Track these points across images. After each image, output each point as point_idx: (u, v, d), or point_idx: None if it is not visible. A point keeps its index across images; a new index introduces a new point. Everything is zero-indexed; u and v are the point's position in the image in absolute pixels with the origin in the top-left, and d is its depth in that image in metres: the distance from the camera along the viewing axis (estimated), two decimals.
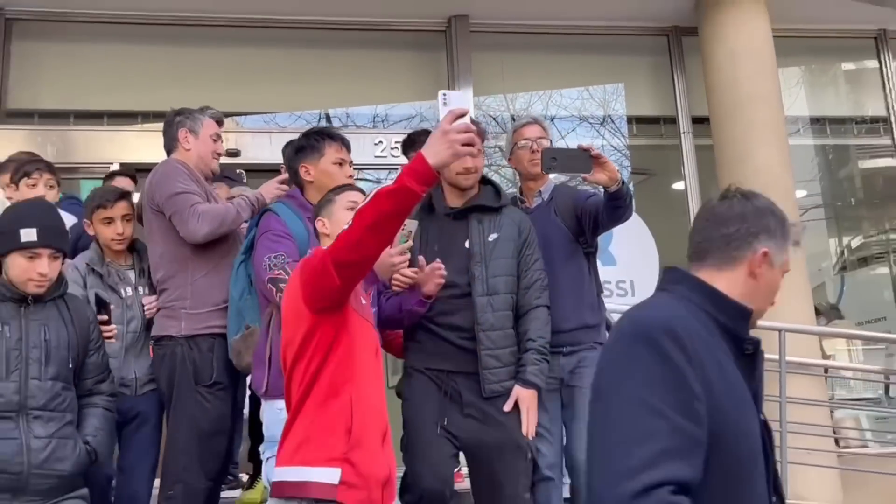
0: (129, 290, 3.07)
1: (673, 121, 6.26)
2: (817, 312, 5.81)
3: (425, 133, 3.86)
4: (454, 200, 2.82)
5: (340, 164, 2.74)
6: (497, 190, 2.87)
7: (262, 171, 5.18)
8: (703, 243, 1.49)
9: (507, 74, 6.26)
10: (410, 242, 2.37)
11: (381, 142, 5.71)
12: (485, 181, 2.88)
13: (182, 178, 3.00)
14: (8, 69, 5.46)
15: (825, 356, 5.74)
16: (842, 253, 6.93)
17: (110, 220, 3.06)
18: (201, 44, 5.85)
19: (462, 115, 1.84)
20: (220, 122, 3.26)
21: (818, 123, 6.84)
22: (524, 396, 2.63)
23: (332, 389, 1.99)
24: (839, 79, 7.17)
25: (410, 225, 2.29)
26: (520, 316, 2.74)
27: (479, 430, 2.64)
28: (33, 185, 3.52)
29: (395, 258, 2.27)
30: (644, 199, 6.31)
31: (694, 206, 6.01)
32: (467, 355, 2.66)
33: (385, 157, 5.68)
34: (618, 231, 5.41)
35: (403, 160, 5.51)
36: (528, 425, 2.62)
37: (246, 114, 5.83)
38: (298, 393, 2.02)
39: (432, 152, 1.84)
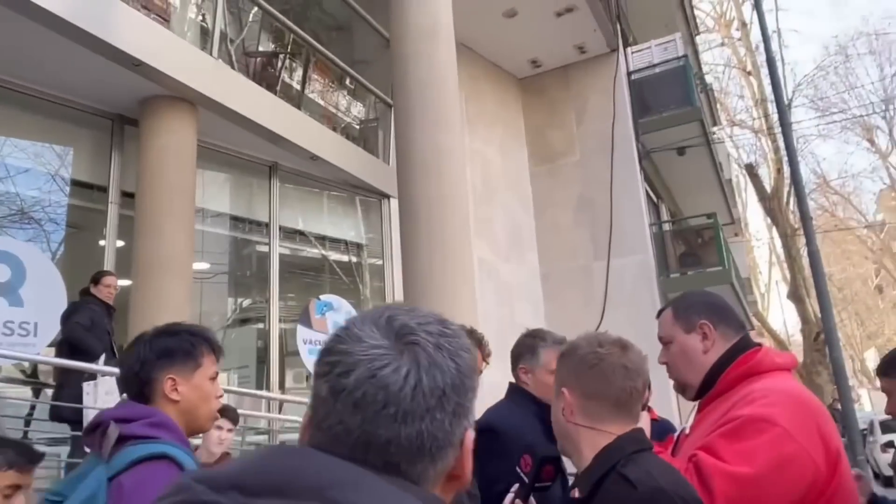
0: None
1: (105, 190, 7.35)
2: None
3: None
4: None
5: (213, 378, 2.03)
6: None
7: None
8: None
9: None
10: None
11: None
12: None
13: None
14: None
15: None
16: (235, 311, 8.86)
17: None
18: None
19: None
20: None
21: (225, 216, 8.80)
22: None
23: None
24: (250, 188, 9.22)
25: None
26: None
27: None
28: None
29: None
30: (71, 250, 7.25)
31: (100, 262, 7.07)
32: None
33: None
34: (29, 275, 6.12)
35: None
36: None
37: None
38: None
39: None
